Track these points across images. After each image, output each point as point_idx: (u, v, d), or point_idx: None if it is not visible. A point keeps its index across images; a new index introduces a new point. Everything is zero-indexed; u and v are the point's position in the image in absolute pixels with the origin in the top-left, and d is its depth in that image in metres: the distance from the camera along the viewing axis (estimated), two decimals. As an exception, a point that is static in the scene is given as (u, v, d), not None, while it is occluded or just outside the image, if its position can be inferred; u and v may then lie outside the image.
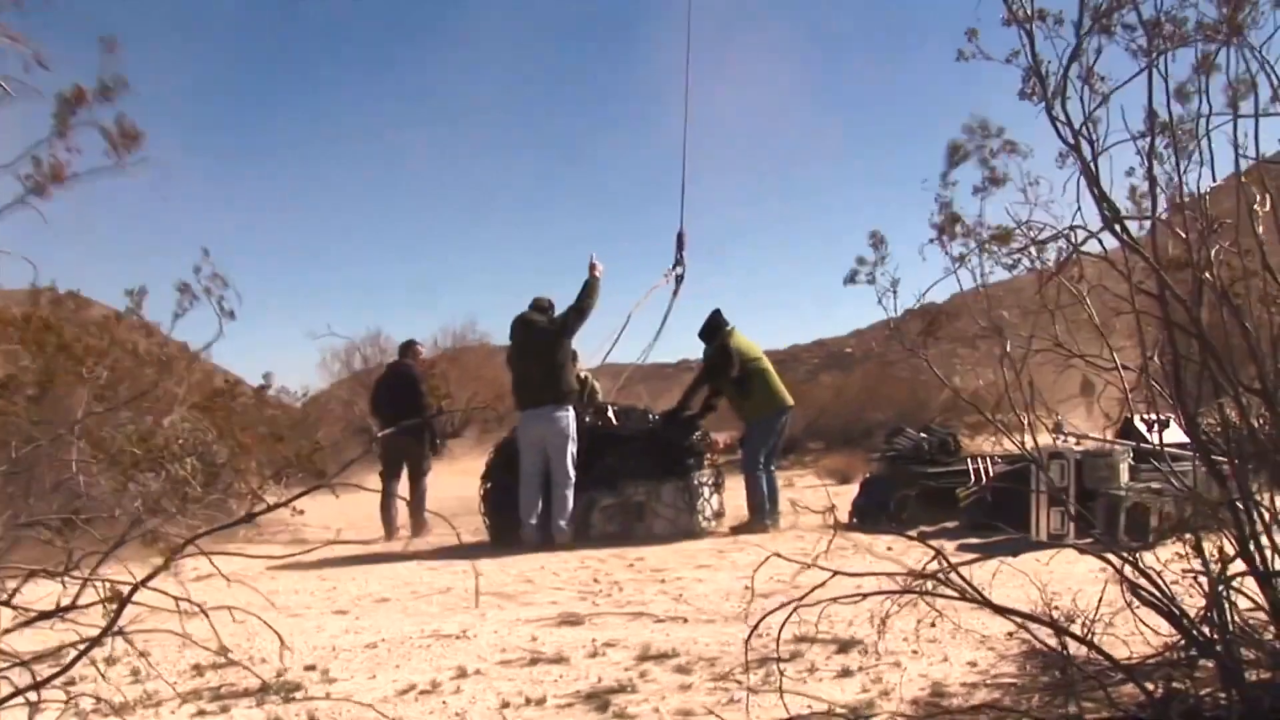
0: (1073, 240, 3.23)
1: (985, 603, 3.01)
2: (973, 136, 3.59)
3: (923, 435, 10.32)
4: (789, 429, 10.57)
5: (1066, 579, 5.61)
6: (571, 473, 9.13)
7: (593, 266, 9.49)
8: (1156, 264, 2.74)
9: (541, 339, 9.30)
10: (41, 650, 2.66)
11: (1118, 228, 2.90)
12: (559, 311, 9.51)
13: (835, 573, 3.12)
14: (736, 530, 9.40)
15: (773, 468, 9.94)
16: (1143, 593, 3.03)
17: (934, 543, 7.81)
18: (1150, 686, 3.29)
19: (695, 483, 9.49)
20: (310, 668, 4.69)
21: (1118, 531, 7.27)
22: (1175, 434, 8.78)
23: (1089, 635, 3.35)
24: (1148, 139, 2.89)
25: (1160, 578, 3.07)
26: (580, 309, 9.40)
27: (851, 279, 4.42)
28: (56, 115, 2.68)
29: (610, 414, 9.86)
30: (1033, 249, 3.45)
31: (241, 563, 4.56)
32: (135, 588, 2.31)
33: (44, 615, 2.49)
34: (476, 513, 9.83)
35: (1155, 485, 7.70)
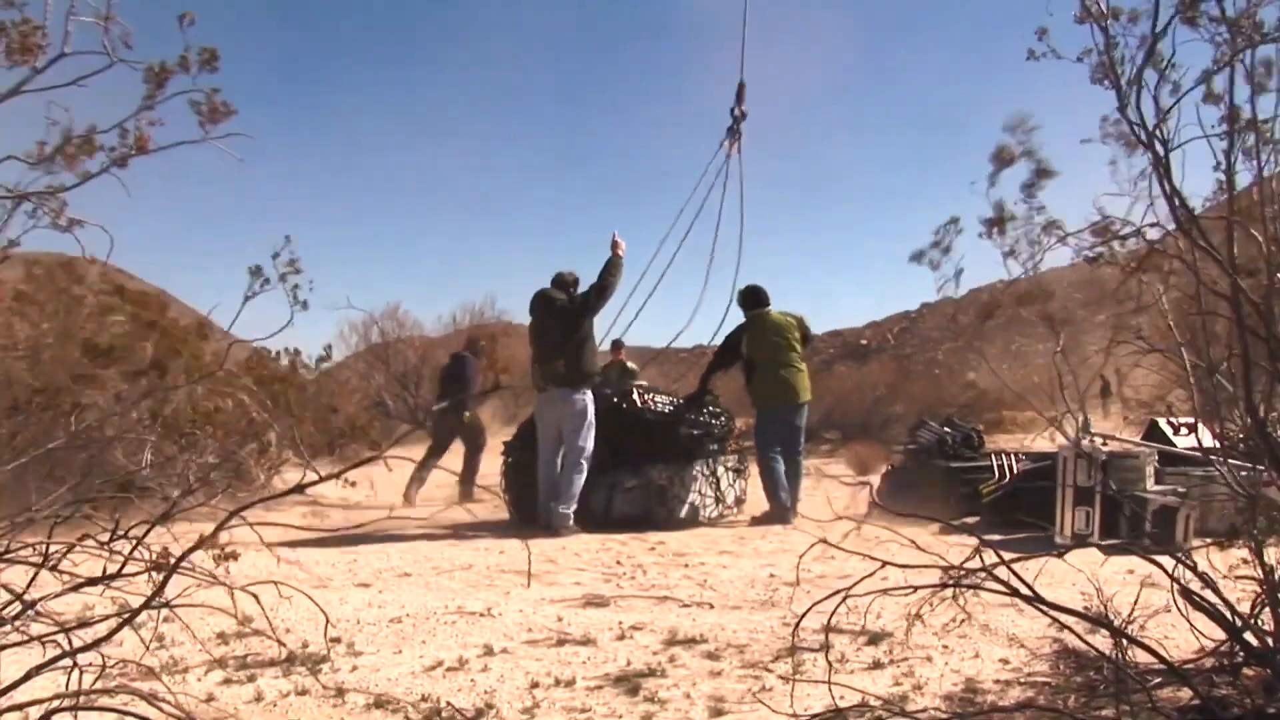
0: (1146, 237, 3.17)
1: (1038, 601, 2.96)
2: (1016, 134, 3.55)
3: (946, 430, 10.24)
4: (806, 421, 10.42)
5: (1091, 580, 5.54)
6: (587, 456, 8.81)
7: (615, 244, 9.17)
8: (1232, 266, 2.67)
9: (561, 318, 8.99)
10: (85, 617, 2.64)
11: (1191, 230, 2.83)
12: (583, 288, 9.22)
13: (884, 563, 3.07)
14: (758, 520, 9.33)
15: (798, 457, 9.85)
16: (1195, 596, 2.97)
17: (957, 539, 7.76)
18: (1191, 692, 3.25)
19: (718, 468, 9.45)
20: (335, 640, 4.65)
21: (1143, 534, 7.21)
22: (1203, 439, 8.73)
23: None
24: (1226, 137, 2.82)
25: (1214, 581, 3.02)
26: (602, 288, 9.05)
27: (917, 258, 4.43)
28: (146, 84, 2.65)
29: (635, 396, 9.74)
30: (1115, 244, 3.38)
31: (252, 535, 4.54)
32: (182, 557, 2.28)
33: (90, 582, 2.46)
34: (493, 489, 9.82)
35: (1181, 489, 7.65)
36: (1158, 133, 2.85)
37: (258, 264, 2.87)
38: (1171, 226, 2.99)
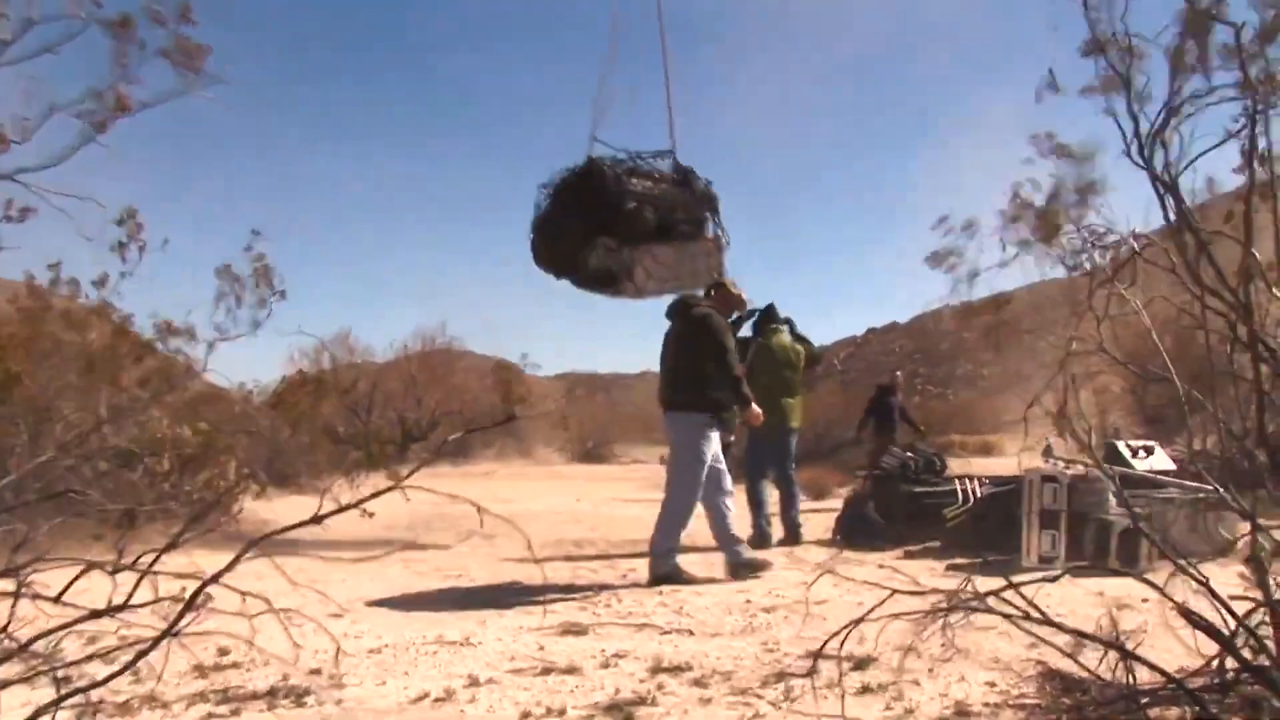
0: (1134, 246, 3.25)
1: (1048, 622, 3.00)
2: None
3: (909, 454, 10.33)
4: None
5: (1064, 602, 5.62)
6: (688, 497, 7.44)
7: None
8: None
9: (690, 330, 7.68)
10: (93, 650, 2.59)
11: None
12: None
13: (894, 592, 3.10)
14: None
15: (791, 476, 10.02)
16: (1194, 616, 3.03)
17: (924, 563, 7.80)
18: (1179, 711, 3.32)
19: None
20: (315, 672, 4.58)
21: (1109, 557, 7.31)
22: (1160, 461, 8.84)
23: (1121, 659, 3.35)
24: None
25: (1216, 596, 3.08)
26: (733, 370, 7.68)
27: (935, 260, 4.52)
28: (112, 41, 2.55)
29: None
30: (1094, 251, 3.46)
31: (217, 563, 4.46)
32: (201, 586, 2.24)
33: (95, 615, 2.41)
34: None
35: (1142, 511, 7.77)
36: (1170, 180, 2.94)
37: (227, 263, 2.79)
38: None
